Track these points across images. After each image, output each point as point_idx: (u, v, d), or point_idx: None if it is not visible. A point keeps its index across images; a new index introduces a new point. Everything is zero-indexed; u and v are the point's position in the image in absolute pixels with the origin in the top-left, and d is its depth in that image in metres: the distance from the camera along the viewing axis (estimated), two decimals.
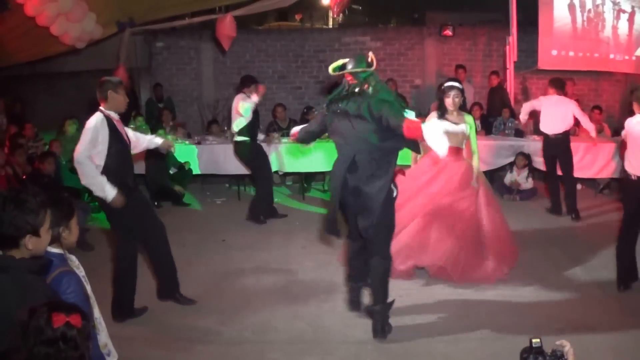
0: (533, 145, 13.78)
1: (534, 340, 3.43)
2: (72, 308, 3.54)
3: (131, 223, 8.01)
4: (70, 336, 3.39)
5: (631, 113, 8.91)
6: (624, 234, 8.64)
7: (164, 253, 8.48)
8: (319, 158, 13.60)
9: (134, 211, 8.00)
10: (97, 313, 5.12)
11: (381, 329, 7.33)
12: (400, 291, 8.51)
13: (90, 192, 12.67)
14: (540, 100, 12.69)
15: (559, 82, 12.64)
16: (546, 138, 12.50)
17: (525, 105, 12.99)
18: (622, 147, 12.89)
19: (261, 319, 7.91)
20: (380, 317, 7.37)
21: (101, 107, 7.69)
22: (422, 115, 11.40)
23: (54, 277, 4.36)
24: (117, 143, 7.73)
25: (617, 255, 8.69)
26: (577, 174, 13.56)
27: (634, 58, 16.47)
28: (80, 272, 4.75)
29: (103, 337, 5.20)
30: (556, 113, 12.31)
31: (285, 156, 13.80)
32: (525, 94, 18.38)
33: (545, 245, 10.42)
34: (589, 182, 14.53)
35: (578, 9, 16.06)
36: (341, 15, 23.11)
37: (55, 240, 4.53)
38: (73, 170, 12.18)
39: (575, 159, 13.06)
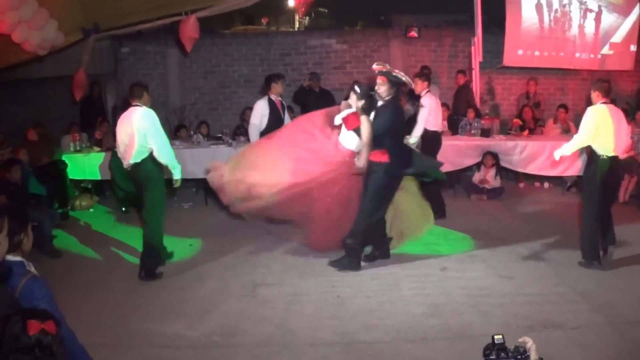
0: (499, 145, 13.83)
1: (496, 337, 3.43)
2: (45, 315, 3.51)
3: None
4: (45, 343, 3.36)
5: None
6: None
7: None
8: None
9: None
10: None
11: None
12: (368, 292, 8.56)
13: (59, 198, 12.66)
14: (431, 101, 12.43)
15: (429, 75, 12.78)
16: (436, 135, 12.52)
17: (420, 124, 12.18)
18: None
19: (229, 323, 7.88)
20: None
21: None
22: None
23: (24, 284, 4.32)
24: None
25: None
26: (543, 172, 13.68)
27: (599, 56, 16.59)
28: None
29: None
30: (438, 108, 12.50)
31: None
32: (491, 94, 18.45)
33: (513, 244, 10.45)
34: (556, 181, 14.62)
35: (545, 9, 16.16)
36: (307, 18, 23.09)
37: (17, 247, 4.49)
38: (40, 178, 12.12)
39: (542, 158, 13.18)
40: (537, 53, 16.40)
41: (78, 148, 14.17)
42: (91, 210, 13.74)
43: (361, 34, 19.44)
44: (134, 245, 11.06)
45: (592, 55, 16.65)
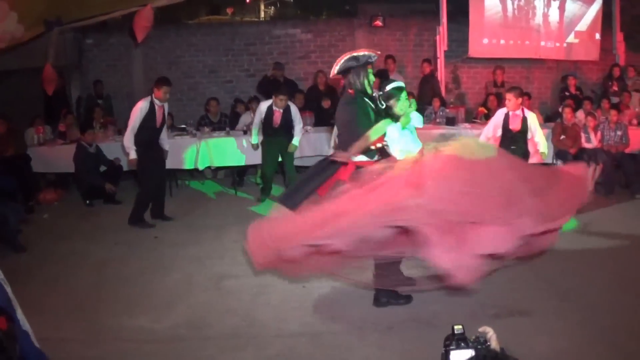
0: (464, 133, 13.85)
1: (456, 327, 3.41)
2: None
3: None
4: None
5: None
6: None
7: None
8: (249, 152, 13.58)
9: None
10: (20, 315, 4.99)
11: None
12: (334, 282, 8.53)
13: (23, 192, 12.55)
14: None
15: None
16: None
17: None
18: (554, 132, 13.11)
19: (195, 315, 7.86)
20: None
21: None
22: None
23: None
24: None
25: None
26: None
27: (565, 45, 16.68)
28: None
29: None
30: None
31: (216, 150, 13.76)
32: (457, 83, 18.51)
33: None
34: None
35: None
36: (272, 8, 23.02)
37: None
38: (3, 171, 11.99)
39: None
40: (502, 42, 16.48)
41: (42, 141, 14.09)
42: (56, 203, 13.64)
43: (326, 24, 19.40)
44: (99, 238, 11.06)
45: (557, 44, 16.75)
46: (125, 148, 11.43)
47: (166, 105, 11.59)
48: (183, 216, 12.21)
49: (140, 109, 11.10)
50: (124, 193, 13.53)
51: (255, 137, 12.85)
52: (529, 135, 11.41)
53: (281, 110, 12.45)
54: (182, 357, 6.93)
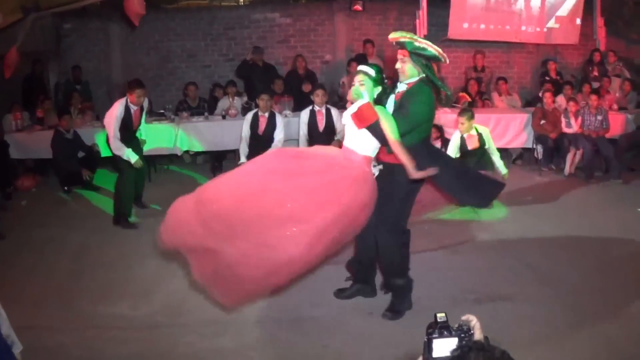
0: (444, 117, 13.77)
1: (438, 315, 3.35)
2: None
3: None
4: None
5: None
6: None
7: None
8: (228, 137, 13.50)
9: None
10: None
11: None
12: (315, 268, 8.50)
13: (0, 179, 12.46)
14: None
15: None
16: None
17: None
18: (534, 117, 13.08)
19: (173, 302, 7.83)
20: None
21: None
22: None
23: None
24: None
25: None
26: None
27: (545, 30, 16.64)
28: None
29: (5, 328, 4.99)
30: None
31: (195, 135, 13.70)
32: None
33: (458, 217, 10.40)
34: (502, 153, 14.64)
35: None
36: None
37: None
38: None
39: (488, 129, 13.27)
40: (482, 26, 16.42)
41: (20, 127, 13.97)
42: (34, 190, 13.53)
43: (305, 8, 19.30)
44: (77, 225, 10.99)
45: (538, 29, 16.71)
46: (121, 155, 10.89)
47: (146, 102, 11.37)
48: (162, 202, 12.09)
49: (115, 116, 10.64)
50: (102, 179, 13.48)
51: (244, 158, 12.35)
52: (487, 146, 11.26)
53: (266, 116, 12.16)
54: (161, 344, 6.89)
